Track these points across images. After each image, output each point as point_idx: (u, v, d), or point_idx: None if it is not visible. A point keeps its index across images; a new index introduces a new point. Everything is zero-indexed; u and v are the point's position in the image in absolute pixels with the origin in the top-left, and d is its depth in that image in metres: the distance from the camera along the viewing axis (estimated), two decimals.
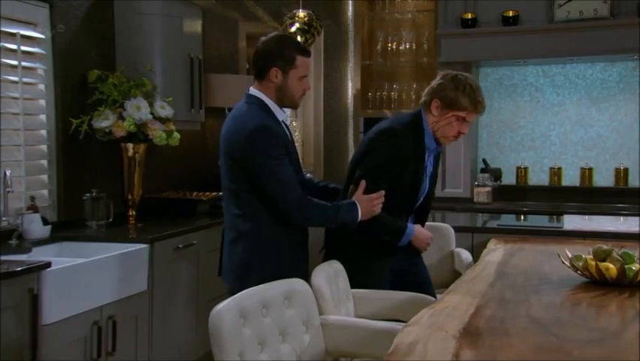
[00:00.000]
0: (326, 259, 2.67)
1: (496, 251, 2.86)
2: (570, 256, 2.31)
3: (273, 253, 2.42)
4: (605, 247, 2.25)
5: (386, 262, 2.71)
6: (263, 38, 2.51)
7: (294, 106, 2.55)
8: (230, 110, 2.61)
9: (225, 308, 1.75)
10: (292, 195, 2.36)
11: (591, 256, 2.25)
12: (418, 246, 2.74)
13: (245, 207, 2.41)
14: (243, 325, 1.81)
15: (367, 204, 2.50)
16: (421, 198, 2.77)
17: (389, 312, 2.49)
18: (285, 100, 2.48)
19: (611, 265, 2.14)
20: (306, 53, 2.49)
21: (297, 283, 2.10)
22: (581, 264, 2.22)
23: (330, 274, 2.39)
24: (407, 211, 2.75)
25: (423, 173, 2.71)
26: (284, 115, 2.51)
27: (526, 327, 1.75)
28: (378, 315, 2.47)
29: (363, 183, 2.54)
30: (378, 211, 2.55)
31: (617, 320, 1.86)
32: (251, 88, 2.52)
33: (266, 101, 2.45)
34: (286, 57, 2.44)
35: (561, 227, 3.46)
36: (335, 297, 2.33)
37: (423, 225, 2.83)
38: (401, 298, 2.52)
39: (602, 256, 2.21)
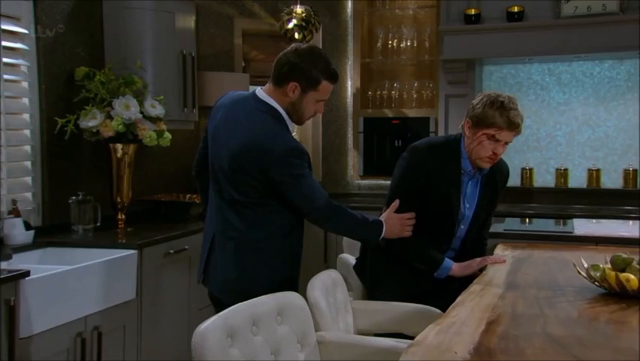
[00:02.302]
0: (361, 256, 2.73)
1: (504, 258, 2.69)
2: (586, 265, 2.15)
3: (280, 263, 2.32)
4: (624, 255, 2.08)
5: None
6: (296, 46, 2.34)
7: (298, 123, 2.40)
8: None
9: (210, 327, 1.58)
10: (320, 203, 2.29)
11: (609, 266, 2.08)
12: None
13: (254, 218, 2.29)
14: (231, 345, 1.64)
15: (396, 222, 2.45)
16: (462, 227, 2.63)
17: (391, 325, 2.33)
18: (293, 116, 2.34)
19: (632, 276, 1.98)
20: (333, 79, 2.33)
21: (291, 296, 1.93)
22: (598, 274, 2.06)
23: (328, 285, 2.22)
24: (446, 239, 2.63)
25: (459, 198, 2.58)
26: (292, 125, 2.38)
27: (543, 347, 1.58)
28: (379, 328, 2.32)
29: (395, 202, 2.48)
30: (408, 233, 2.48)
31: None
32: (261, 90, 2.34)
33: (280, 110, 2.30)
34: (312, 78, 2.28)
35: (572, 232, 3.29)
36: (333, 310, 2.16)
37: (465, 256, 2.66)
38: (404, 310, 2.36)
39: (621, 266, 2.05)
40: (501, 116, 2.44)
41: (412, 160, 2.57)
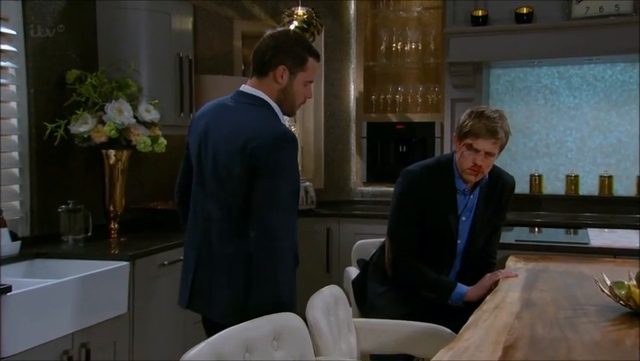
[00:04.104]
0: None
1: (517, 272, 2.54)
2: (608, 281, 1.99)
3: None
4: None
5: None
6: (272, 32, 2.20)
7: (290, 113, 2.22)
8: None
9: (197, 355, 1.43)
10: (280, 219, 1.96)
11: (634, 283, 1.93)
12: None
13: (243, 227, 2.03)
14: None
15: None
16: (459, 241, 2.54)
17: (397, 346, 2.18)
18: (285, 105, 2.16)
19: None
20: (317, 57, 2.20)
21: (289, 318, 1.76)
22: (623, 292, 1.90)
23: (329, 304, 2.06)
24: (447, 261, 2.55)
25: (457, 218, 2.51)
26: (285, 121, 2.21)
27: None
28: (384, 349, 2.17)
29: None
30: None
31: None
32: (247, 86, 2.17)
33: (269, 101, 2.13)
34: (298, 56, 2.13)
35: (587, 243, 3.13)
36: (334, 330, 2.00)
37: (470, 274, 2.57)
38: (411, 329, 2.20)
39: None
40: (478, 123, 2.40)
41: (407, 184, 2.53)
